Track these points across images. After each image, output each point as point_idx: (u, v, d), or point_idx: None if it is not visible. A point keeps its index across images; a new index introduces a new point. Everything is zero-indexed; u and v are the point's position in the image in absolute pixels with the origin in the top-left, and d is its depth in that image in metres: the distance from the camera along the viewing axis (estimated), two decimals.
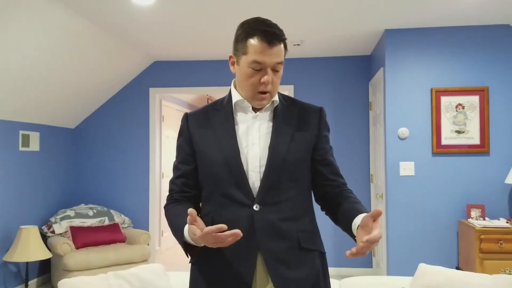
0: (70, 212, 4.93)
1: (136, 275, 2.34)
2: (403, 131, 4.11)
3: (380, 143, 4.58)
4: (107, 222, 5.06)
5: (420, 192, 4.07)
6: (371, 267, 5.25)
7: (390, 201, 4.12)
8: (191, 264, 1.53)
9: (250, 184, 1.43)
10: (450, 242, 4.01)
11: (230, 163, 1.44)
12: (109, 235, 4.83)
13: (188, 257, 1.44)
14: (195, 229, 1.27)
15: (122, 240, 4.90)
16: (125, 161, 5.65)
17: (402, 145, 4.11)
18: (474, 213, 3.84)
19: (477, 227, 3.49)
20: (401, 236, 4.08)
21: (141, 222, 5.59)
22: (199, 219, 1.29)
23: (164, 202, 6.29)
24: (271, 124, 1.48)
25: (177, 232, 1.42)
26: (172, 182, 1.58)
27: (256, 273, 1.42)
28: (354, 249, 1.22)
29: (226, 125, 1.49)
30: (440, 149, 4.04)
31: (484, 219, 3.73)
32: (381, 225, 4.35)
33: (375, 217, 1.24)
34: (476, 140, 4.00)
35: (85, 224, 4.90)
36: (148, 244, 4.93)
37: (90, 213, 5.05)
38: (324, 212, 1.60)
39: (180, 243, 1.43)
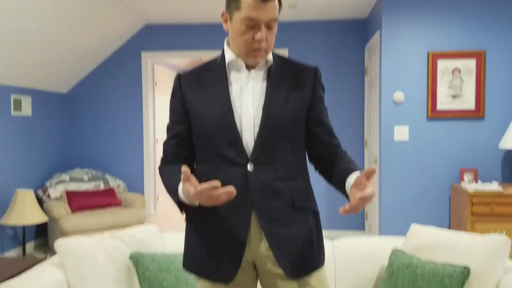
0: (65, 177, 4.94)
1: (132, 236, 2.37)
2: (398, 95, 4.09)
3: (374, 108, 4.57)
4: (102, 187, 5.08)
5: (414, 157, 4.10)
6: (364, 230, 5.34)
7: (384, 165, 4.14)
8: (186, 223, 1.54)
9: (244, 144, 1.42)
10: (442, 206, 4.06)
11: (223, 123, 1.43)
12: (104, 199, 4.86)
13: (182, 214, 1.45)
14: (189, 187, 1.27)
15: (118, 204, 4.94)
16: (119, 126, 5.62)
17: (397, 110, 4.10)
18: (467, 177, 3.88)
19: (469, 190, 3.53)
20: (393, 200, 4.13)
21: (136, 186, 5.63)
22: (192, 177, 1.28)
23: (156, 165, 6.31)
24: (265, 84, 1.46)
25: (172, 191, 1.43)
26: (165, 143, 1.58)
27: (251, 231, 1.43)
28: (347, 206, 1.23)
29: (219, 85, 1.47)
30: (435, 114, 4.04)
31: (476, 183, 3.77)
32: (374, 185, 4.41)
33: (369, 175, 1.24)
34: (471, 105, 4.00)
35: (81, 189, 4.91)
36: (143, 208, 4.97)
37: (85, 177, 5.06)
38: (317, 172, 1.61)
39: (175, 201, 1.43)
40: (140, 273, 2.16)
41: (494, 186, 3.58)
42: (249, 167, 1.41)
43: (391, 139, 4.12)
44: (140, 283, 2.16)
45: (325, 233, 5.01)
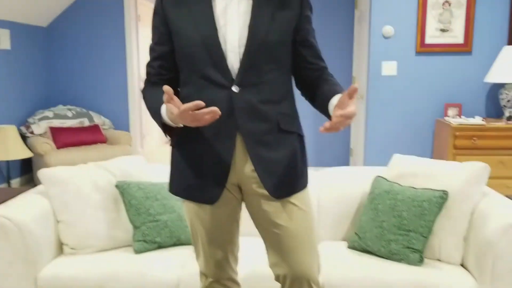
0: (48, 113, 4.86)
1: (117, 165, 2.37)
2: (388, 29, 4.02)
3: (364, 43, 4.50)
4: (87, 123, 5.03)
5: (401, 92, 4.10)
6: (349, 166, 5.43)
7: (371, 101, 4.15)
8: (172, 148, 1.53)
9: (229, 65, 1.39)
10: (426, 141, 4.12)
11: (207, 43, 1.39)
12: (89, 136, 4.82)
13: (167, 137, 1.44)
14: (172, 107, 1.25)
15: (103, 141, 4.91)
16: (101, 62, 5.48)
17: (386, 44, 4.05)
18: (452, 111, 3.91)
19: (453, 124, 3.57)
20: (379, 136, 4.17)
21: (122, 124, 5.58)
22: (175, 98, 1.26)
23: (143, 103, 6.21)
24: (251, 2, 1.41)
25: (155, 113, 1.41)
26: (148, 65, 1.54)
27: (236, 153, 1.43)
28: (327, 124, 1.23)
29: (202, 2, 1.41)
30: (423, 48, 4.00)
31: (460, 118, 3.81)
32: (357, 106, 4.44)
33: (351, 93, 1.23)
34: (459, 39, 3.96)
35: (65, 125, 4.86)
36: (130, 145, 4.96)
37: (69, 114, 4.99)
38: (304, 97, 1.59)
39: (158, 124, 1.42)
40: (126, 201, 2.19)
41: (477, 120, 3.62)
42: (234, 88, 1.39)
43: (378, 74, 4.09)
44: (127, 211, 2.18)
45: (310, 170, 5.08)
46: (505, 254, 1.81)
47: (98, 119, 5.17)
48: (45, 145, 4.36)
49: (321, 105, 1.45)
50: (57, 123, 4.82)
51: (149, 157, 6.24)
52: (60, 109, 5.05)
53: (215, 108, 1.22)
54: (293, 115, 1.52)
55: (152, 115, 1.43)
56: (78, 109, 5.15)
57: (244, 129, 1.41)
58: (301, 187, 1.51)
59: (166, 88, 1.21)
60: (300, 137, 1.53)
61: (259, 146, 1.43)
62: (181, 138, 1.48)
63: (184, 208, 1.56)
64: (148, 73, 1.54)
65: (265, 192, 1.45)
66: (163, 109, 1.36)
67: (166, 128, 1.42)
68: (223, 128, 1.41)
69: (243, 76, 1.39)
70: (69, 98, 5.54)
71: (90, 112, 5.18)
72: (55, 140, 4.60)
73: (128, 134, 4.98)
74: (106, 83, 5.52)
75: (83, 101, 5.55)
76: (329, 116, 1.42)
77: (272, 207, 1.47)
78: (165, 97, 1.24)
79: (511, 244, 1.80)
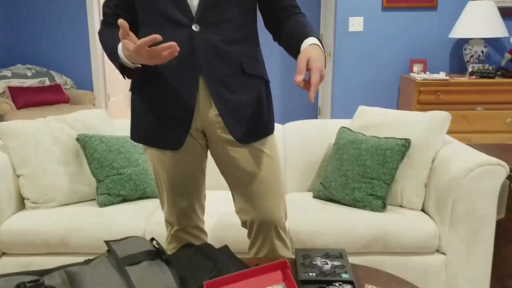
0: (7, 72, 4.66)
1: (78, 119, 2.30)
2: None
3: (331, 0, 4.44)
4: (48, 83, 4.85)
5: (367, 48, 4.10)
6: None
7: (337, 58, 4.14)
8: (132, 92, 1.48)
9: (189, 2, 1.33)
10: (391, 97, 4.17)
11: None
12: (51, 96, 4.66)
13: (125, 78, 1.38)
14: (128, 43, 1.19)
15: (66, 101, 4.76)
16: (62, 19, 5.24)
17: (353, 0, 4.01)
18: (416, 67, 3.95)
19: (417, 79, 3.62)
20: (346, 93, 4.19)
21: (85, 84, 5.40)
22: (131, 33, 1.20)
23: (108, 62, 6.01)
24: None
25: (112, 53, 1.34)
26: (105, 4, 1.46)
27: (199, 97, 1.39)
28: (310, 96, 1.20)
29: None
30: (390, 4, 3.98)
31: (425, 73, 3.86)
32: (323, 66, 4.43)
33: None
34: None
35: (24, 85, 4.67)
36: (93, 105, 4.83)
37: (29, 73, 4.79)
38: (273, 37, 1.54)
39: (116, 65, 1.36)
40: (88, 155, 2.13)
41: (441, 76, 3.68)
42: (194, 27, 1.34)
43: (346, 30, 4.07)
44: (89, 165, 2.13)
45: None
46: (464, 197, 1.87)
47: (59, 79, 4.99)
48: (4, 105, 4.20)
49: (290, 48, 1.40)
50: (16, 82, 4.63)
51: (114, 119, 6.11)
52: (19, 68, 4.84)
53: (173, 43, 1.16)
54: (258, 58, 1.47)
55: (109, 55, 1.36)
56: (38, 68, 4.95)
57: (206, 71, 1.37)
58: (268, 133, 1.49)
59: (121, 21, 1.15)
60: (266, 82, 1.50)
61: (223, 89, 1.39)
62: (140, 81, 1.42)
63: (147, 156, 1.53)
64: (104, 14, 1.47)
65: (230, 137, 1.43)
66: (120, 48, 1.30)
67: (124, 70, 1.36)
68: (184, 70, 1.37)
69: (203, 13, 1.34)
70: (29, 57, 5.30)
71: (51, 72, 4.99)
72: (14, 100, 4.43)
73: (91, 93, 4.84)
74: (67, 41, 5.30)
75: (43, 60, 5.33)
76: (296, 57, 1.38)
77: (238, 153, 1.45)
78: (120, 33, 1.18)
79: (469, 187, 1.86)
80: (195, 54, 1.35)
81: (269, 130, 1.49)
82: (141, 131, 1.48)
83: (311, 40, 1.30)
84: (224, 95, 1.39)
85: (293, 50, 1.38)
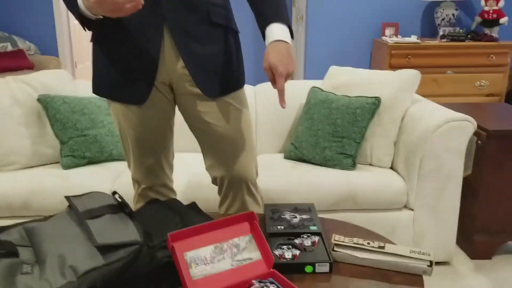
0: None
1: (38, 80, 2.20)
2: None
3: None
4: (10, 48, 4.64)
5: (340, 12, 4.05)
6: None
7: (310, 23, 4.08)
8: (93, 44, 1.40)
9: None
10: (364, 61, 4.16)
11: None
12: (14, 61, 4.47)
13: (85, 30, 1.31)
14: None
15: (30, 66, 4.57)
16: None
17: None
18: (388, 31, 3.93)
19: (389, 43, 3.61)
20: (318, 56, 4.15)
21: (50, 50, 5.19)
22: None
23: (74, 27, 5.75)
24: None
25: (71, 3, 1.26)
26: None
27: (164, 48, 1.33)
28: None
29: None
30: None
31: (397, 37, 3.85)
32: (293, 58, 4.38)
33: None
34: None
35: None
36: None
37: None
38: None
39: (75, 16, 1.27)
40: (50, 116, 2.05)
41: (412, 39, 3.67)
42: None
43: None
44: (52, 126, 2.05)
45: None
46: (432, 153, 1.88)
47: (22, 44, 4.77)
48: None
49: (257, 21, 1.35)
50: None
51: None
52: None
53: None
54: (226, 7, 1.41)
55: (68, 5, 1.28)
56: (0, 33, 4.72)
57: (171, 20, 1.30)
58: (238, 86, 1.44)
59: None
60: (235, 32, 1.44)
61: (189, 40, 1.33)
62: (102, 32, 1.35)
63: (111, 111, 1.46)
64: None
65: (198, 90, 1.38)
66: None
67: (84, 21, 1.29)
68: (147, 19, 1.30)
69: None
70: None
71: (13, 36, 4.77)
72: None
73: (56, 59, 4.66)
74: (30, 4, 5.05)
75: (3, 25, 5.08)
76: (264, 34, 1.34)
77: (206, 107, 1.40)
78: None
79: (437, 144, 1.87)
80: (159, 2, 1.28)
81: (239, 84, 1.45)
82: (103, 85, 1.41)
83: (275, 34, 1.27)
84: (190, 46, 1.33)
85: (260, 28, 1.34)
